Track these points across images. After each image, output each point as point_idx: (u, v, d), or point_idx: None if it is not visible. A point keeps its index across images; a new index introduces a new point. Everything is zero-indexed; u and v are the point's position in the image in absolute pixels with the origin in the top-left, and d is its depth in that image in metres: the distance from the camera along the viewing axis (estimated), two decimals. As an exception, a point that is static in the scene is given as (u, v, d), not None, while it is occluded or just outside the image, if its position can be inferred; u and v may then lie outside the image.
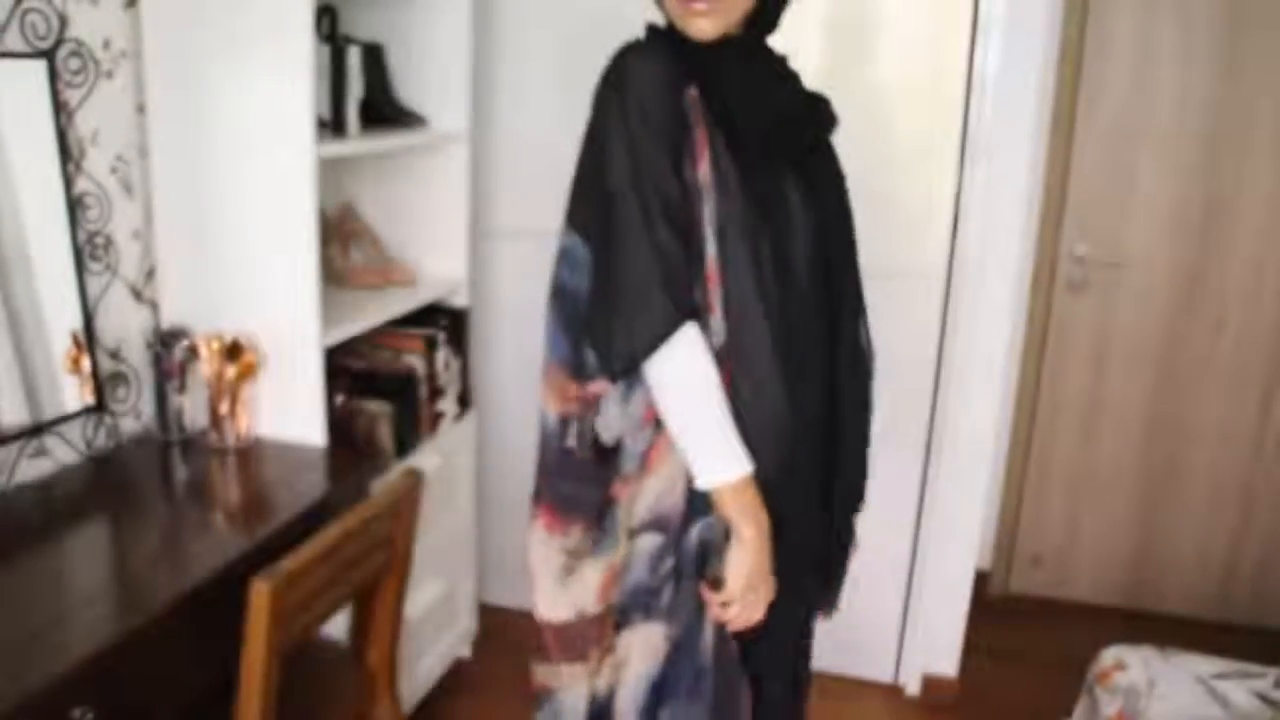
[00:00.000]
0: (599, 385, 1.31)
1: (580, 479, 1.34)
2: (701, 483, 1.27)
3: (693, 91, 1.26)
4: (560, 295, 1.34)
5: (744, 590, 1.29)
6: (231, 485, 1.83)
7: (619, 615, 1.37)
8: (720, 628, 1.35)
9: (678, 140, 1.24)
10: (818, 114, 1.39)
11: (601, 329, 1.24)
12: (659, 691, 1.37)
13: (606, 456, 1.33)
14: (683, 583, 1.34)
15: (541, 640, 1.40)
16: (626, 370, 1.25)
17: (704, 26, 1.26)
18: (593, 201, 1.26)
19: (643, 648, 1.37)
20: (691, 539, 1.33)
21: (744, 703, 1.40)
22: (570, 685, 1.40)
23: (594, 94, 1.28)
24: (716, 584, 1.31)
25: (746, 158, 1.27)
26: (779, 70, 1.38)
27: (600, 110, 1.26)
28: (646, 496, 1.33)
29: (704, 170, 1.25)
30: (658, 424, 1.30)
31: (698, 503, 1.31)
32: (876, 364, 1.48)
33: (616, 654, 1.38)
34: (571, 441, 1.34)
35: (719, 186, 1.25)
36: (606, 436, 1.32)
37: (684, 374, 1.23)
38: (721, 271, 1.25)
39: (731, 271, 1.25)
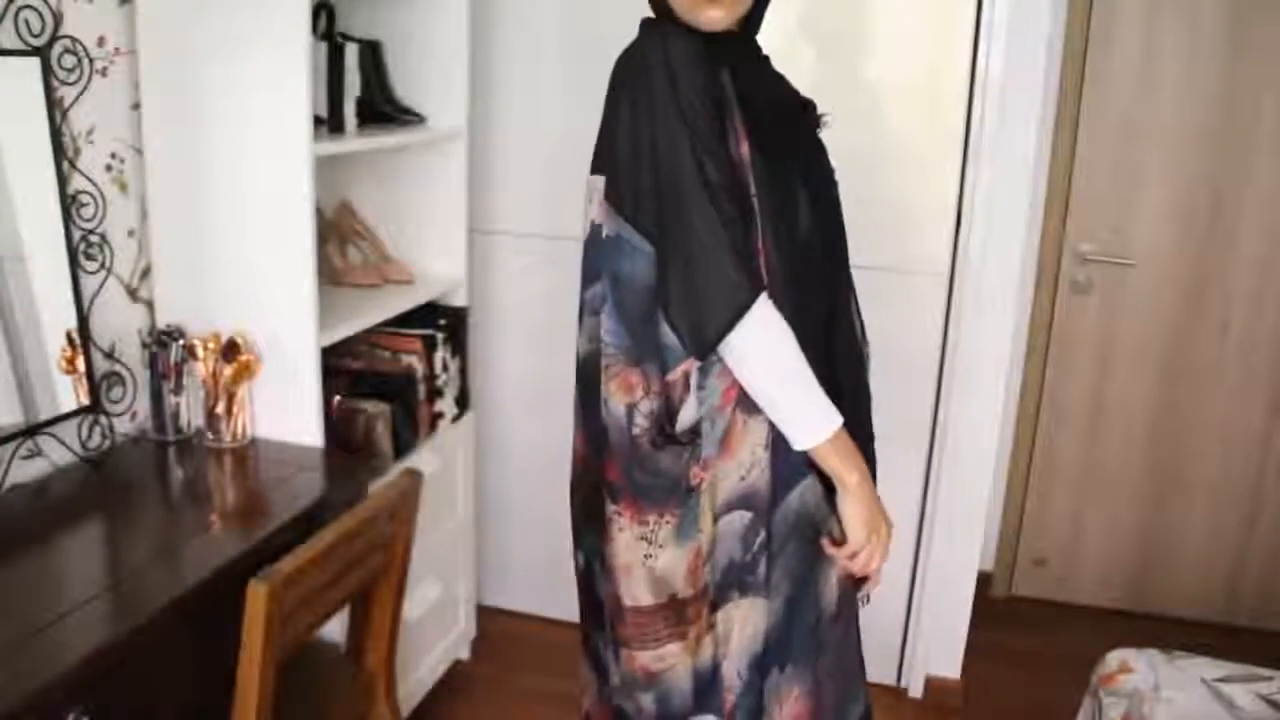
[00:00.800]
0: (686, 365, 1.30)
1: (653, 466, 1.34)
2: (799, 445, 1.28)
3: (725, 73, 1.26)
4: (615, 284, 1.32)
5: (866, 536, 1.32)
6: (228, 486, 1.82)
7: (715, 594, 1.38)
8: (843, 582, 1.41)
9: (722, 116, 1.24)
10: (806, 115, 1.41)
11: (680, 309, 1.24)
12: (765, 660, 1.39)
13: (676, 442, 1.33)
14: (781, 554, 1.36)
15: (640, 627, 1.40)
16: (711, 348, 1.24)
17: (716, 16, 1.26)
18: (642, 183, 1.25)
19: (743, 622, 1.38)
20: (791, 506, 1.35)
21: (860, 658, 1.48)
22: (674, 665, 1.40)
23: (619, 77, 1.28)
24: (838, 541, 1.35)
25: (761, 144, 1.28)
26: (771, 70, 1.41)
27: (639, 89, 1.24)
28: (729, 477, 1.34)
29: (745, 149, 1.26)
30: (736, 406, 1.30)
31: (786, 473, 1.33)
32: (874, 363, 1.49)
33: (717, 630, 1.39)
34: (638, 430, 1.34)
35: (754, 167, 1.26)
36: (685, 421, 1.32)
37: (764, 343, 1.24)
38: (765, 245, 1.26)
39: (771, 247, 1.27)
